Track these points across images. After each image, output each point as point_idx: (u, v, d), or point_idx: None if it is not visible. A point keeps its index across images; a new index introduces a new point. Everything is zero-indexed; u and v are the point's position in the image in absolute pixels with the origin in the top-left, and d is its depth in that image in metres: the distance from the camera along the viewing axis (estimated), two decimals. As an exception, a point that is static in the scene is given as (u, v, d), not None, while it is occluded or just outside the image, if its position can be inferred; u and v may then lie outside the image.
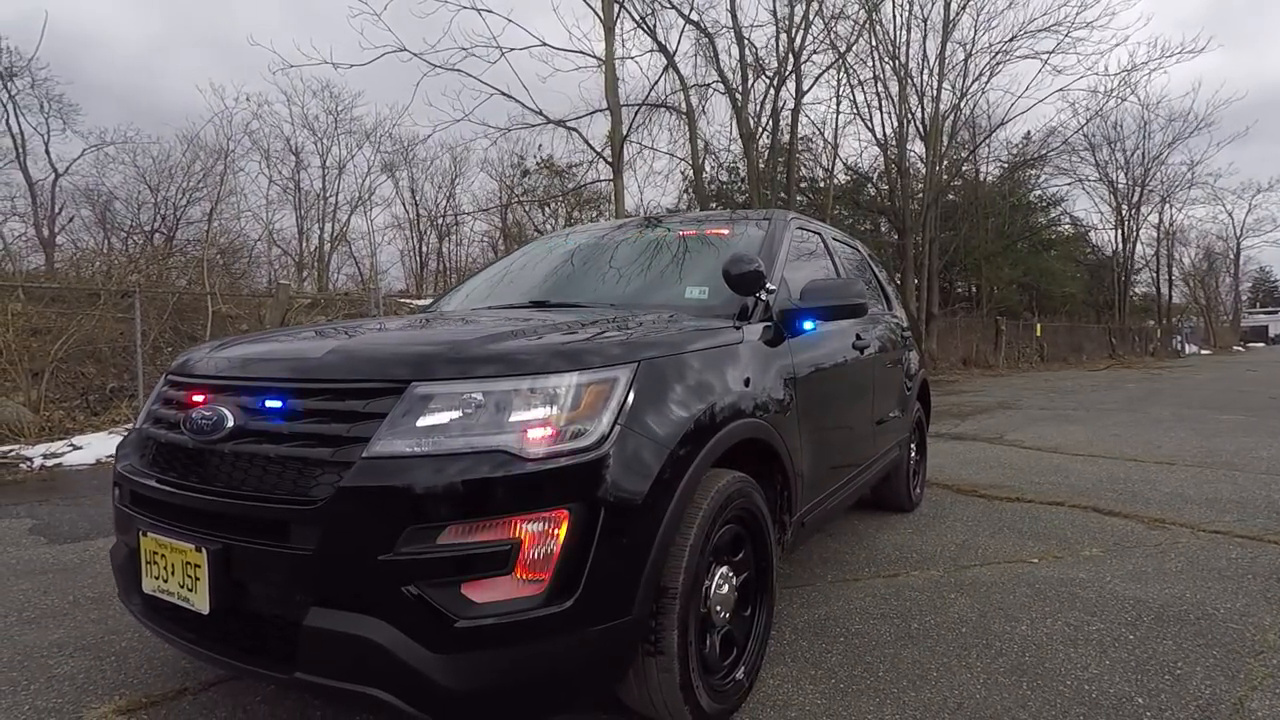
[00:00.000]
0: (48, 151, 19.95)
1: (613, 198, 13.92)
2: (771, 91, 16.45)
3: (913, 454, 4.38)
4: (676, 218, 3.43)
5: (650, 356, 1.78)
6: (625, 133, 13.19)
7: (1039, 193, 30.25)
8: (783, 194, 17.37)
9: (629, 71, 23.16)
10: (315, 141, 23.37)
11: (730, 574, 2.01)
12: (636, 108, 13.70)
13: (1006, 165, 25.94)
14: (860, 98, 20.14)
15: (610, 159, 13.42)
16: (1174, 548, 3.56)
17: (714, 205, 21.73)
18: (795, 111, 16.64)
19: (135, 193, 20.16)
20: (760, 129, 16.38)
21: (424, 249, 28.07)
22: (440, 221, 26.48)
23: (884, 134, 20.59)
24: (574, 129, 14.00)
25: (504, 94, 13.17)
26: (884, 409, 3.58)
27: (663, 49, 15.49)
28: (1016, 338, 25.36)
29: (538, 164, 16.83)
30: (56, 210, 20.76)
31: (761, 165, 17.06)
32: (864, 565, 3.35)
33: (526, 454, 1.51)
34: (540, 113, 13.18)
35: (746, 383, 2.12)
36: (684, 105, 16.29)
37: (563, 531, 1.51)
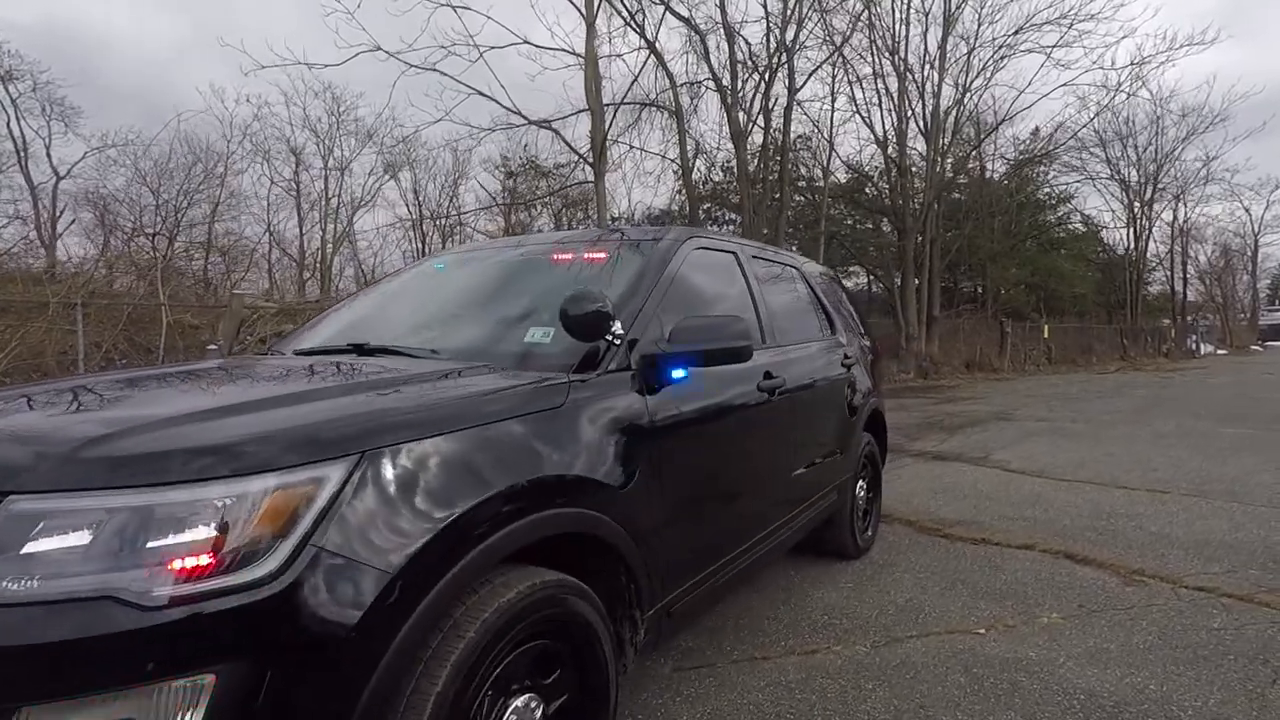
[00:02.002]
0: (49, 155, 19.85)
1: (597, 199, 13.49)
2: (764, 87, 15.95)
3: (861, 493, 3.92)
4: (555, 237, 2.99)
5: (384, 444, 1.34)
6: (606, 132, 12.74)
7: (1047, 190, 29.52)
8: (776, 194, 16.88)
9: (619, 72, 22.72)
10: (318, 143, 23.11)
11: (536, 704, 1.58)
12: (616, 106, 13.26)
13: (1013, 162, 25.26)
14: (859, 95, 19.60)
15: (592, 159, 12.99)
16: (1148, 613, 3.09)
17: (706, 206, 21.26)
18: (788, 109, 16.13)
19: (136, 195, 20.05)
20: (751, 126, 15.88)
21: (427, 249, 27.74)
22: (443, 222, 26.13)
23: (884, 131, 20.04)
24: (554, 129, 13.59)
25: (481, 94, 12.78)
26: (812, 453, 3.13)
27: (651, 47, 15.04)
28: (1023, 339, 24.69)
29: (522, 165, 16.42)
30: (57, 213, 20.71)
31: (753, 165, 16.57)
32: (781, 635, 2.90)
33: (152, 598, 1.08)
34: (519, 112, 12.78)
35: (569, 457, 1.68)
36: (673, 104, 15.83)
37: (205, 704, 1.08)
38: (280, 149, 22.69)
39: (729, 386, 2.41)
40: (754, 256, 3.15)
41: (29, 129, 19.50)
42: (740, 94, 15.81)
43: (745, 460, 2.51)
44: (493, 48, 13.10)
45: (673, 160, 16.97)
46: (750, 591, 3.37)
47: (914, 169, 20.96)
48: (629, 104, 14.86)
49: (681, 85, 16.19)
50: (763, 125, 16.27)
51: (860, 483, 3.90)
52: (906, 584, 3.48)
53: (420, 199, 26.10)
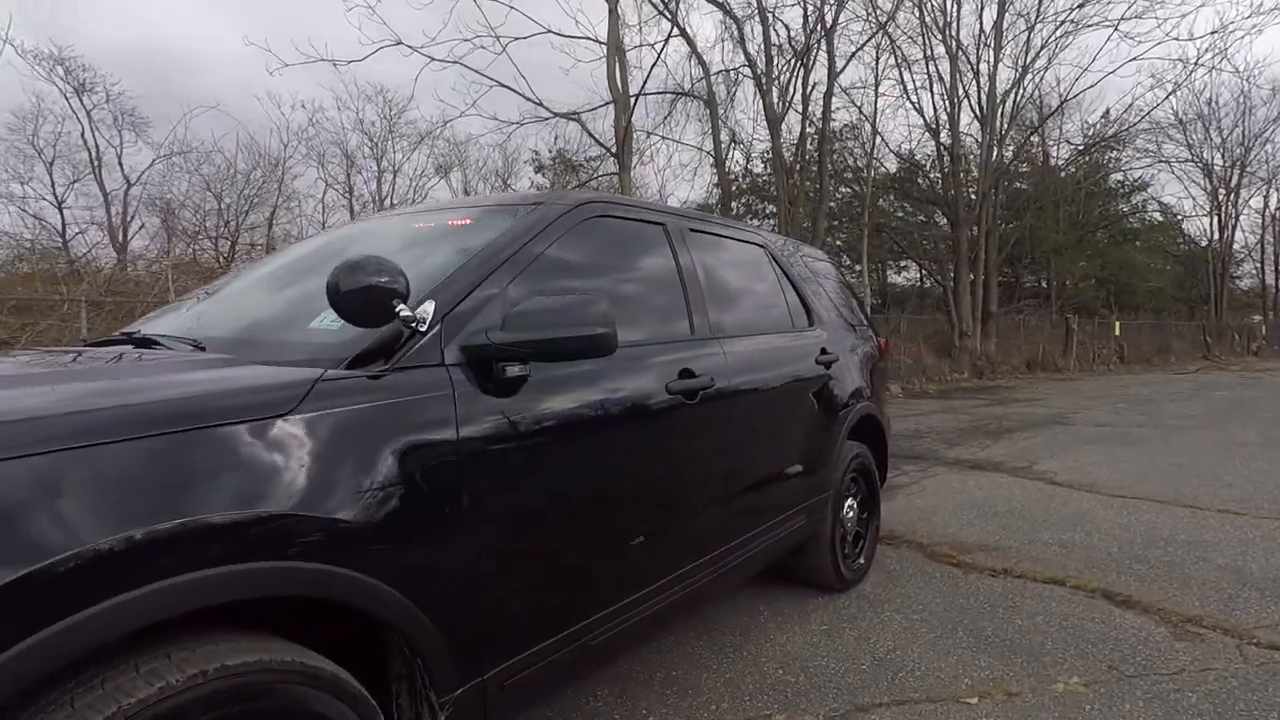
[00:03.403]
0: (120, 163, 20.61)
1: (621, 191, 12.99)
2: (802, 72, 15.16)
3: (850, 514, 3.30)
4: (447, 203, 2.49)
5: None
6: (629, 122, 12.21)
7: (1120, 177, 27.55)
8: (814, 183, 16.06)
9: (647, 63, 22.08)
10: (371, 146, 23.40)
11: None
12: (638, 95, 12.71)
13: (1080, 148, 23.60)
14: (908, 78, 18.54)
15: (616, 151, 12.49)
16: (1201, 680, 2.40)
17: (745, 199, 20.51)
18: (828, 94, 15.26)
19: (200, 200, 20.67)
20: (786, 109, 15.10)
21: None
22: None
23: (934, 117, 18.91)
24: (580, 121, 13.15)
25: (503, 85, 12.44)
26: (763, 469, 2.55)
27: (684, 33, 14.46)
28: (1091, 337, 23.05)
29: (551, 158, 16.06)
30: (128, 218, 21.55)
31: (790, 154, 15.79)
32: (716, 695, 2.33)
33: None
34: (541, 104, 12.39)
35: (289, 488, 1.18)
36: (707, 94, 15.21)
37: None
38: (334, 153, 23.04)
39: (610, 388, 1.86)
40: (694, 230, 2.59)
41: (102, 139, 20.29)
42: (776, 79, 15.07)
43: (635, 485, 1.95)
44: (516, 39, 12.76)
45: (707, 152, 16.36)
46: (695, 631, 2.81)
47: (970, 156, 19.75)
48: (656, 94, 14.32)
49: (716, 74, 15.58)
50: (801, 112, 15.48)
51: (848, 502, 3.29)
52: (894, 628, 2.85)
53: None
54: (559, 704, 2.24)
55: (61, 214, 19.52)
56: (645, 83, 12.35)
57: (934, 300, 23.70)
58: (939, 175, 19.95)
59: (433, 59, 12.46)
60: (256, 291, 2.03)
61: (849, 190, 20.67)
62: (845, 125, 18.98)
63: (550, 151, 16.07)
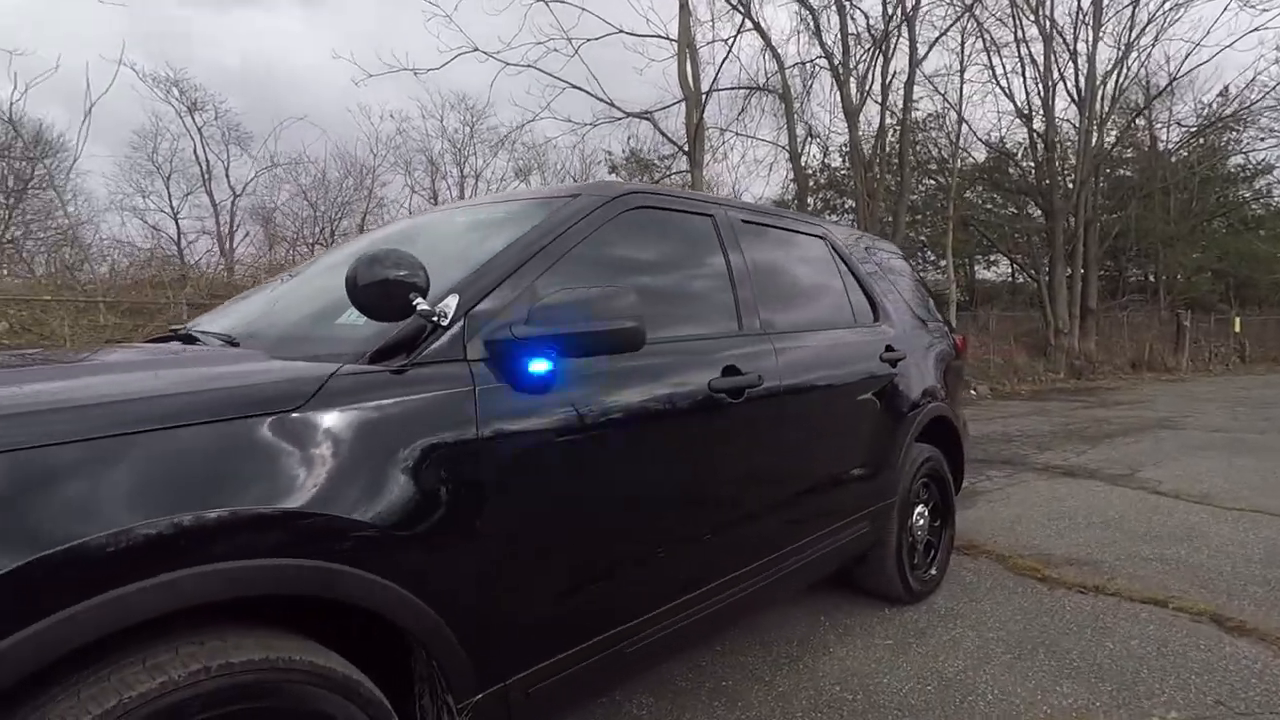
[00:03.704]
0: (228, 175, 22.15)
1: (693, 188, 12.88)
2: (880, 59, 14.62)
3: (920, 521, 3.10)
4: (492, 197, 2.46)
5: None
6: (700, 119, 12.08)
7: (1240, 160, 25.26)
8: (895, 175, 15.47)
9: (719, 59, 21.78)
10: (454, 152, 24.25)
11: None
12: (709, 91, 12.55)
13: (1193, 130, 21.78)
14: (997, 63, 17.57)
15: (688, 148, 12.39)
16: (1328, 722, 2.10)
17: (824, 194, 19.96)
18: (909, 82, 14.65)
19: (298, 208, 21.97)
20: (864, 99, 14.57)
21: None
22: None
23: (1026, 102, 17.86)
24: (652, 120, 13.12)
25: (575, 87, 12.55)
26: (819, 471, 2.41)
27: (757, 27, 14.21)
28: (1206, 335, 21.25)
29: (624, 158, 16.10)
30: (235, 227, 23.18)
31: (869, 147, 15.24)
32: (767, 712, 2.21)
33: None
34: (611, 104, 12.42)
35: (297, 484, 1.15)
36: (782, 88, 14.89)
37: None
38: (420, 159, 23.95)
39: (645, 385, 1.77)
40: (746, 221, 2.47)
41: (211, 154, 21.84)
42: (854, 69, 14.59)
43: (671, 487, 1.85)
44: (588, 40, 12.86)
45: (782, 147, 16.01)
46: (749, 639, 2.69)
47: (1067, 143, 18.56)
48: (729, 89, 14.12)
49: (791, 67, 15.22)
50: (880, 102, 14.93)
51: (917, 509, 3.08)
52: (966, 646, 2.64)
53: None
54: (599, 711, 2.18)
55: (177, 224, 21.09)
56: (716, 78, 12.21)
57: (1027, 296, 22.40)
58: (1032, 164, 18.86)
59: (507, 64, 12.71)
60: (301, 288, 2.06)
61: (933, 182, 19.78)
62: (928, 115, 18.18)
63: (624, 151, 16.17)
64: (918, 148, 18.31)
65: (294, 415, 1.18)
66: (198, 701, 1.04)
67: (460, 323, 1.48)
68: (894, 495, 2.82)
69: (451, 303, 1.48)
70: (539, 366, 1.51)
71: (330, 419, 1.23)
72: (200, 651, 1.08)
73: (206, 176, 22.25)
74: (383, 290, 1.34)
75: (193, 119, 21.02)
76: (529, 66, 12.85)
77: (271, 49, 30.90)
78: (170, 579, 1.00)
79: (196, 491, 1.06)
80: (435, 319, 1.43)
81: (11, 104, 12.47)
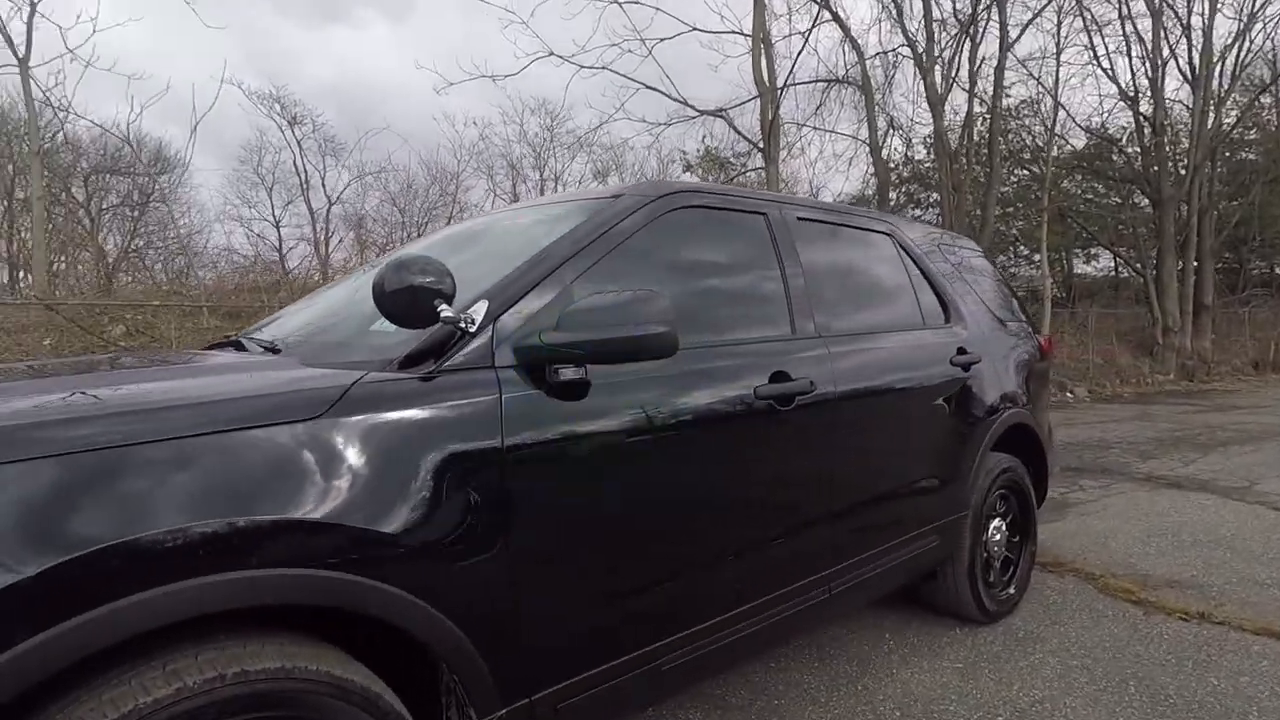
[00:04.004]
0: (324, 184, 23.48)
1: (768, 186, 12.62)
2: (968, 44, 13.92)
3: (996, 535, 2.89)
4: (544, 200, 2.43)
5: None
6: (775, 114, 11.82)
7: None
8: (983, 166, 14.70)
9: (804, 56, 21.25)
10: (534, 156, 24.87)
11: None
12: (784, 86, 12.23)
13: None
14: (1098, 43, 16.43)
15: (763, 145, 12.16)
16: None
17: (909, 188, 19.19)
18: (999, 68, 13.87)
19: (387, 214, 23.05)
20: (950, 87, 13.90)
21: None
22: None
23: (1131, 84, 16.63)
24: (726, 117, 12.95)
25: (648, 87, 12.53)
26: (881, 483, 2.27)
27: (835, 17, 13.79)
28: (1344, 332, 19.21)
29: (699, 156, 15.94)
30: (330, 233, 24.57)
31: (955, 137, 14.54)
32: (821, 736, 2.10)
33: None
34: (685, 102, 12.33)
35: (313, 494, 1.15)
36: (861, 79, 14.41)
37: None
38: (501, 164, 24.63)
39: (682, 392, 1.70)
40: (803, 219, 2.36)
41: (310, 165, 23.22)
42: (939, 57, 13.95)
43: (711, 498, 1.77)
44: (661, 39, 12.82)
45: (862, 141, 15.49)
46: (807, 655, 2.57)
47: (1180, 126, 17.17)
48: (806, 83, 13.76)
49: (871, 57, 14.70)
50: (968, 90, 14.20)
51: (993, 523, 2.88)
52: (1045, 674, 2.44)
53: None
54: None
55: (279, 231, 22.44)
56: (792, 72, 11.91)
57: (1132, 292, 20.89)
58: (1137, 150, 17.55)
59: (582, 66, 12.81)
60: (348, 294, 2.10)
61: (1026, 173, 18.68)
62: (1021, 101, 17.18)
63: (698, 150, 16.04)
64: (1009, 136, 17.36)
65: (312, 424, 1.19)
66: (213, 709, 1.05)
67: (489, 329, 1.46)
68: (966, 508, 2.64)
69: (480, 309, 1.47)
70: (568, 374, 1.47)
71: (350, 428, 1.23)
72: (220, 658, 1.09)
73: (304, 186, 23.58)
74: (409, 297, 1.34)
75: (292, 132, 22.36)
76: (603, 68, 12.91)
77: (363, 63, 32.40)
78: (170, 590, 1.00)
79: (209, 501, 1.07)
80: (462, 325, 1.41)
81: (129, 124, 13.52)
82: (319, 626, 1.23)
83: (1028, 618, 2.92)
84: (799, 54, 12.26)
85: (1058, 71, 15.31)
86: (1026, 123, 17.44)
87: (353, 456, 1.21)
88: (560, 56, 12.91)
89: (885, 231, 2.77)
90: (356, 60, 32.36)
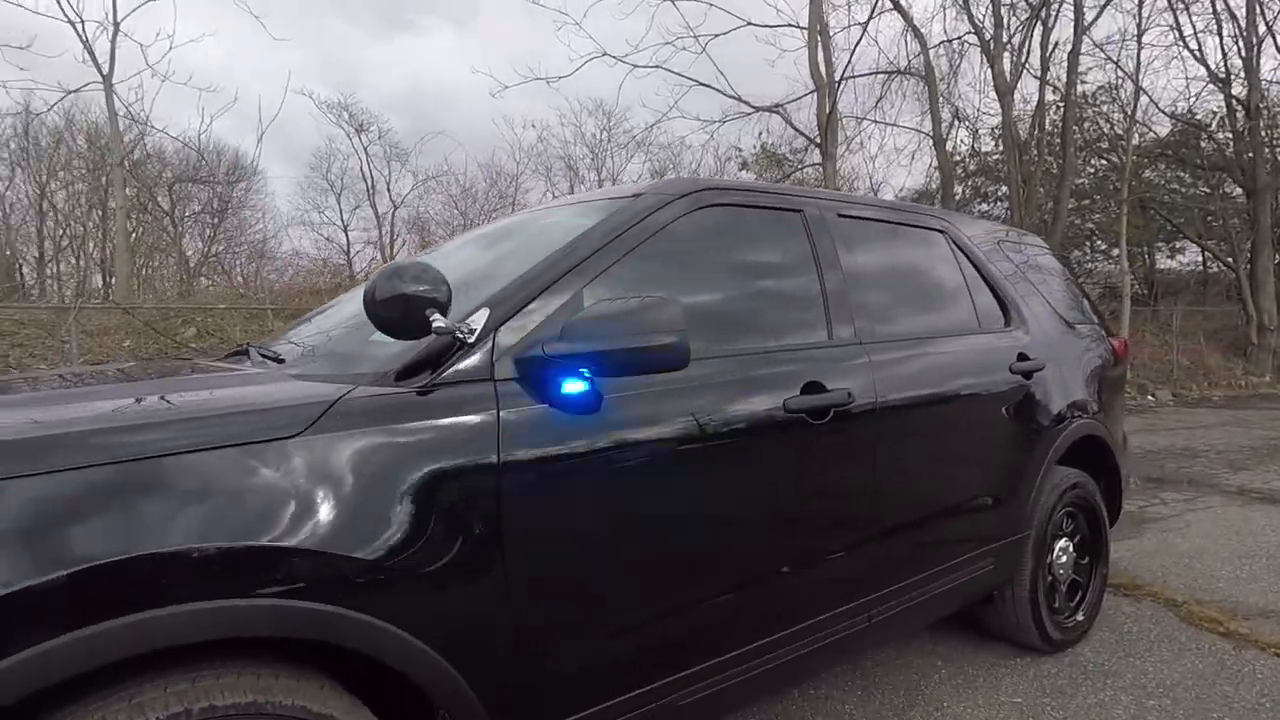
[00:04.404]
0: (389, 189, 24.21)
1: (825, 182, 12.27)
2: (1039, 29, 13.24)
3: (1062, 558, 2.65)
4: (572, 199, 2.33)
5: None
6: (832, 108, 11.48)
7: None
8: (1056, 157, 13.95)
9: (863, 48, 20.66)
10: (592, 157, 25.05)
11: None
12: (840, 80, 11.86)
13: None
14: (1184, 22, 15.38)
15: (819, 140, 11.84)
16: None
17: (977, 181, 18.40)
18: (1074, 53, 13.11)
19: (449, 217, 23.59)
20: (1019, 75, 13.24)
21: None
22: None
23: (1221, 65, 15.51)
24: (781, 113, 12.67)
25: (702, 84, 12.37)
26: (928, 501, 2.10)
27: (896, 6, 13.34)
28: None
29: (755, 153, 15.64)
30: (395, 237, 25.33)
31: (1025, 128, 13.86)
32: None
33: None
34: (738, 98, 12.12)
35: (290, 517, 1.08)
36: (924, 69, 13.88)
37: None
38: (559, 166, 24.88)
39: (701, 406, 1.58)
40: (844, 216, 2.20)
41: (375, 171, 23.93)
42: (1008, 44, 13.31)
43: (732, 521, 1.63)
44: (715, 35, 12.63)
45: (925, 134, 14.93)
46: (851, 682, 2.40)
47: (1277, 108, 15.94)
48: (866, 75, 13.35)
49: (935, 46, 14.15)
50: (1039, 77, 13.50)
51: (1059, 544, 2.65)
52: (1117, 713, 2.21)
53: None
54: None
55: (346, 236, 23.21)
56: (849, 64, 11.56)
57: (1222, 288, 19.52)
58: (1229, 135, 16.38)
59: (635, 66, 12.74)
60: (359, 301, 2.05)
61: (1104, 162, 17.65)
62: (1098, 87, 16.25)
63: (753, 147, 15.75)
64: (1085, 125, 16.46)
65: (288, 443, 1.12)
66: None
67: (489, 339, 1.37)
68: (1026, 528, 2.43)
69: (480, 318, 1.38)
70: (573, 387, 1.37)
71: (333, 446, 1.15)
72: (190, 691, 1.04)
73: (370, 191, 24.35)
74: (400, 306, 1.26)
75: (359, 139, 23.13)
76: (656, 67, 12.82)
77: (429, 69, 33.22)
78: (105, 628, 0.93)
79: (165, 528, 1.00)
80: (460, 335, 1.33)
81: (199, 135, 14.16)
82: (317, 657, 1.16)
83: (1098, 648, 2.67)
84: (856, 45, 11.82)
85: (1139, 54, 14.38)
86: (1104, 110, 16.49)
87: (332, 477, 1.14)
88: (614, 57, 12.89)
89: (938, 229, 2.57)
90: (422, 67, 33.21)
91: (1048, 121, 14.70)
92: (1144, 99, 15.29)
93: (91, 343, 9.09)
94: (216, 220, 22.64)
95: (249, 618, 1.04)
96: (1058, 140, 14.24)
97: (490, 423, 1.30)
